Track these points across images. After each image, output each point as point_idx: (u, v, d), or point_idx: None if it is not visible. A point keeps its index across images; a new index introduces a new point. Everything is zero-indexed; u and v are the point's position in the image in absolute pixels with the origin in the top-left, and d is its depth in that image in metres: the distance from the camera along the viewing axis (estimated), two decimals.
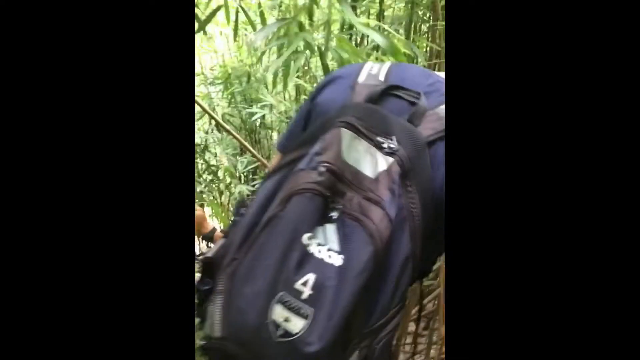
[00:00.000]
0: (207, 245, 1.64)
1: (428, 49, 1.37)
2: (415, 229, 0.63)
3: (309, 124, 0.74)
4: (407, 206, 0.62)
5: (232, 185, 2.14)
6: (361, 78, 0.71)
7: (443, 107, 0.67)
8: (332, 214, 0.62)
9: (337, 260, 0.60)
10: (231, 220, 0.70)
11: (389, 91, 0.69)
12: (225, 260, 0.65)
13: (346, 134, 0.63)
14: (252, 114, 2.12)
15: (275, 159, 0.79)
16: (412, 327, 1.81)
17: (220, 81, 2.28)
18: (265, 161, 2.09)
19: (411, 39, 1.31)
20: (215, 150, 2.31)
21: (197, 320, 0.68)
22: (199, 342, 0.67)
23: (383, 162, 0.63)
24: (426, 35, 1.43)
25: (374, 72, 0.71)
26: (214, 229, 1.51)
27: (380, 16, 1.34)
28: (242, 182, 2.28)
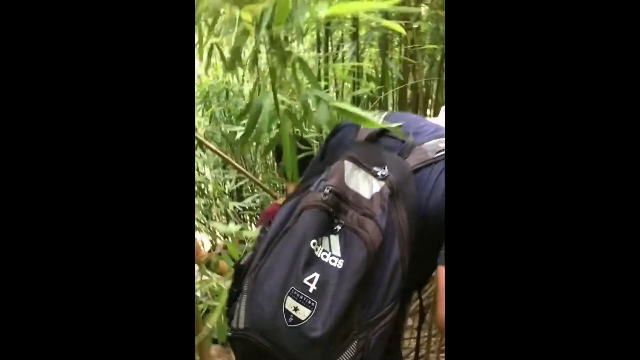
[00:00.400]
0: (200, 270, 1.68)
1: (402, 62, 1.44)
2: (404, 239, 0.77)
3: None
4: (395, 219, 0.77)
5: (219, 202, 2.16)
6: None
7: (428, 143, 0.83)
8: (336, 227, 0.78)
9: (338, 263, 0.75)
10: (258, 236, 0.88)
11: (385, 132, 0.84)
12: (251, 267, 0.81)
13: (348, 164, 0.80)
14: (235, 131, 2.15)
15: (293, 186, 0.98)
16: (409, 322, 1.88)
17: (199, 99, 2.30)
18: (251, 175, 2.12)
19: (386, 54, 1.39)
20: (197, 166, 2.33)
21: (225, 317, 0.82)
22: (227, 334, 0.81)
23: (377, 186, 0.78)
24: (399, 48, 1.49)
25: (374, 118, 0.85)
26: (210, 254, 1.56)
27: (355, 34, 1.40)
28: (232, 198, 2.31)
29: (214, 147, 1.73)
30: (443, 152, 0.80)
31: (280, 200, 1.68)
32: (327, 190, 0.77)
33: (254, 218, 2.71)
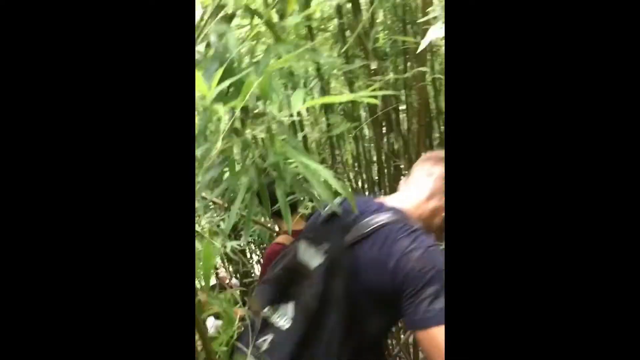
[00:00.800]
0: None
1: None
2: (339, 304, 0.92)
3: None
4: (331, 288, 0.93)
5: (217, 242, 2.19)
6: (326, 208, 1.05)
7: (365, 220, 0.97)
8: (291, 295, 0.97)
9: (289, 325, 0.94)
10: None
11: (335, 214, 1.02)
12: None
13: (303, 243, 1.00)
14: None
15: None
16: None
17: None
18: (242, 212, 2.13)
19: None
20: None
21: None
22: None
23: (319, 260, 0.95)
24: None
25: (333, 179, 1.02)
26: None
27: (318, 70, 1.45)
28: (230, 237, 2.33)
29: (202, 194, 1.76)
30: (375, 227, 0.95)
31: (281, 239, 1.73)
32: (280, 266, 1.01)
33: (255, 250, 2.75)
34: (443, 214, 1.05)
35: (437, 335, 0.83)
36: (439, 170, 1.05)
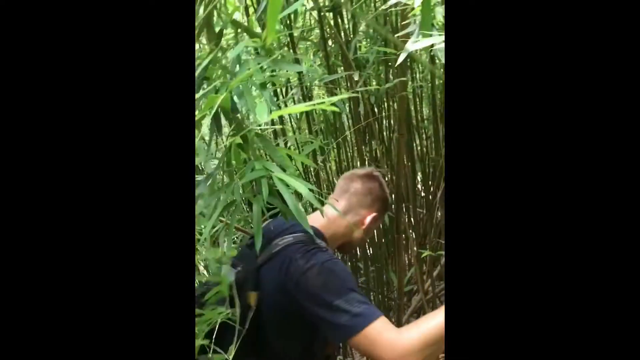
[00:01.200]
0: None
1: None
2: (245, 319, 0.97)
3: None
4: (241, 305, 0.97)
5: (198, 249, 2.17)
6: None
7: (276, 240, 1.02)
8: None
9: None
10: None
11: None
12: None
13: (226, 265, 1.01)
14: None
15: None
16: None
17: None
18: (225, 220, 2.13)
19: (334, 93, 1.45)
20: None
21: None
22: None
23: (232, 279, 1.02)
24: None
25: (264, 226, 1.10)
26: None
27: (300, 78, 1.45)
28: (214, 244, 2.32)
29: None
30: (279, 248, 0.99)
31: None
32: (209, 285, 1.01)
33: None
34: (363, 227, 1.11)
35: (370, 333, 0.87)
36: (353, 187, 1.12)
